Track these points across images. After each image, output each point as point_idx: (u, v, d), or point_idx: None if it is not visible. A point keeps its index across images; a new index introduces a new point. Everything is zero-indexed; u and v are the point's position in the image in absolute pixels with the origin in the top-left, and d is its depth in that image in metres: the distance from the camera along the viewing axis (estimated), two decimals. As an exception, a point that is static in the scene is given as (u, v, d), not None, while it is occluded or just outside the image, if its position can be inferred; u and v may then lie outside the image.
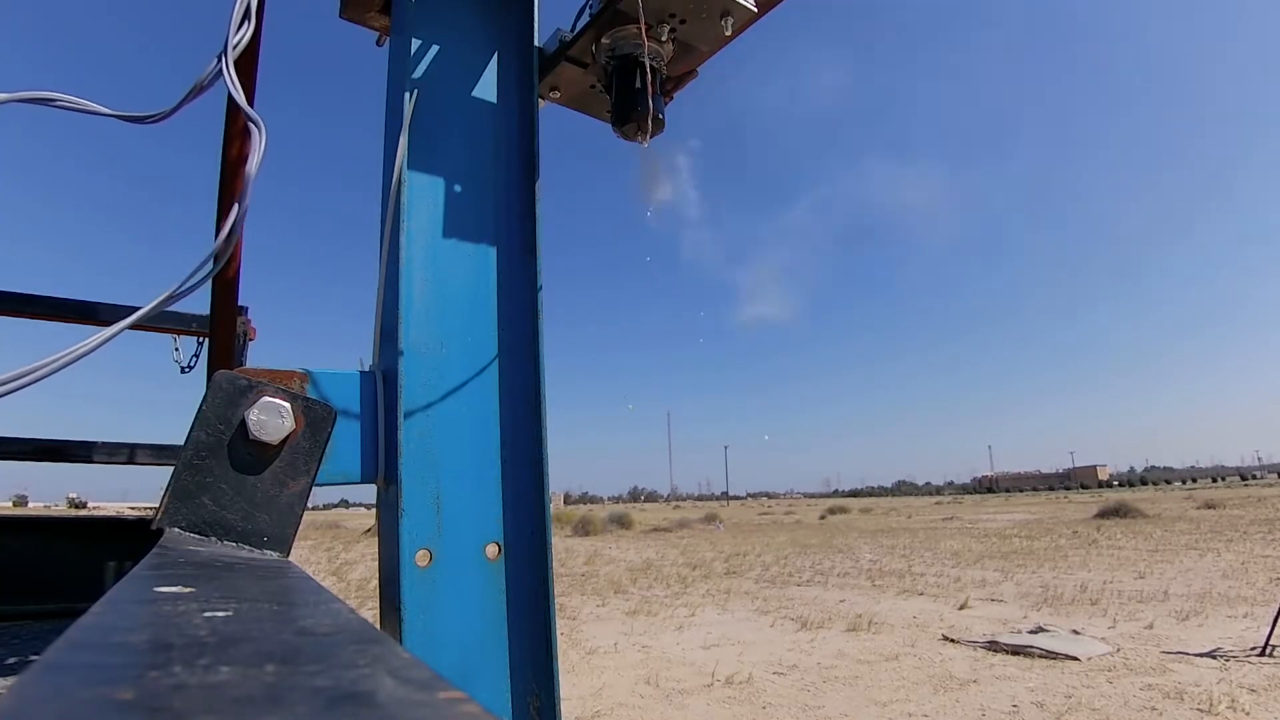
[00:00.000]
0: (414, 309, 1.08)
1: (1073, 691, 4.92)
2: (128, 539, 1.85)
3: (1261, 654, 5.57)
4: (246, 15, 0.98)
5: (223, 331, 1.97)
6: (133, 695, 0.19)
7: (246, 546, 0.74)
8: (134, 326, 0.81)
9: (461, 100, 1.21)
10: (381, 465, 1.02)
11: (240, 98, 0.93)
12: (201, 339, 2.83)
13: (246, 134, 0.94)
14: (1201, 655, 5.71)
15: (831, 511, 40.85)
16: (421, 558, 1.01)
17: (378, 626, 0.77)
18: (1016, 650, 6.11)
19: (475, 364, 1.12)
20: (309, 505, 0.82)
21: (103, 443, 2.58)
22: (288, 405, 0.79)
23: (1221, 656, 5.63)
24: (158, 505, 0.75)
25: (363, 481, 1.02)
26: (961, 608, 8.31)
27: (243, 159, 0.90)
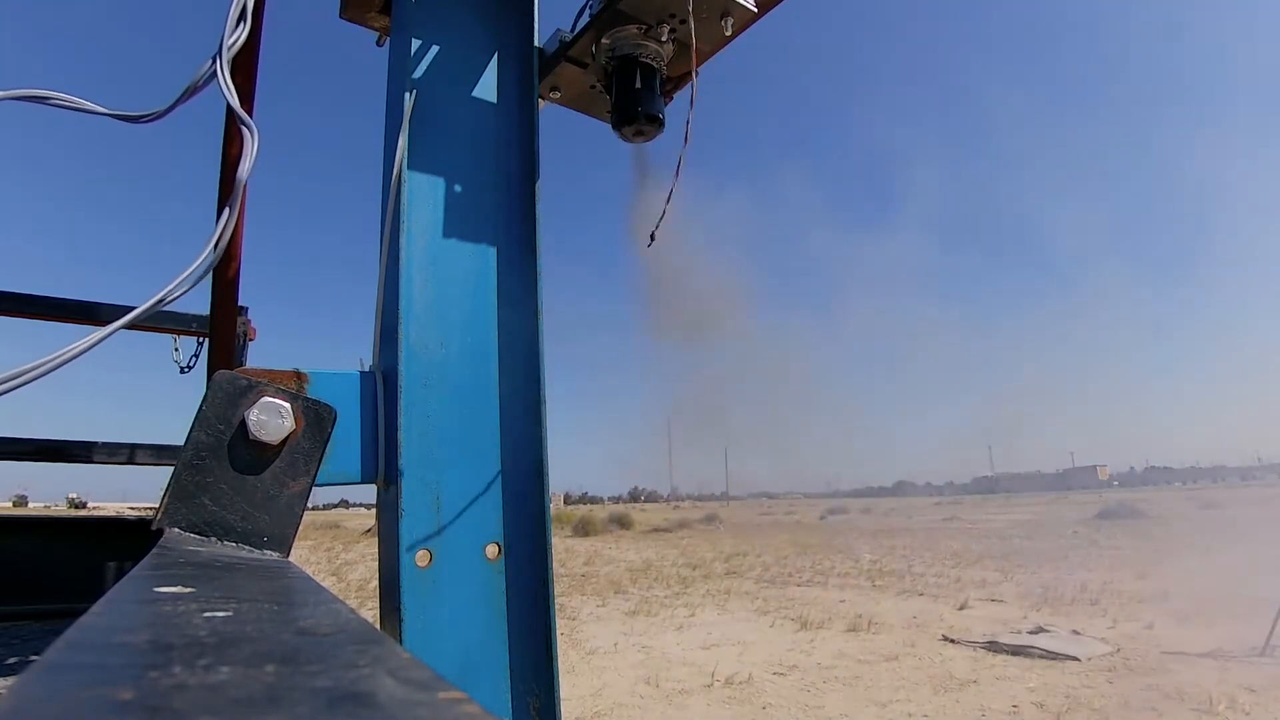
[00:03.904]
0: (414, 309, 1.08)
1: (1073, 691, 4.92)
2: (128, 539, 1.84)
3: (1261, 654, 5.57)
4: (243, 16, 0.98)
5: (223, 331, 1.97)
6: (133, 695, 0.19)
7: (246, 547, 0.74)
8: (133, 326, 0.81)
9: (461, 100, 1.21)
10: (381, 465, 1.02)
11: (234, 101, 0.93)
12: (201, 339, 2.83)
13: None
14: (1201, 655, 5.71)
15: (831, 512, 40.85)
16: (421, 558, 1.01)
17: (378, 626, 0.77)
18: (1016, 650, 6.11)
19: (475, 364, 1.12)
20: (309, 505, 0.82)
21: (103, 443, 2.58)
22: (288, 405, 0.79)
23: (1221, 656, 5.62)
24: (158, 505, 0.74)
25: (363, 481, 1.02)
26: (961, 608, 8.31)
27: (240, 160, 0.90)
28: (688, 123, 1.15)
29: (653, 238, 1.19)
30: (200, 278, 0.82)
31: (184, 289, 0.81)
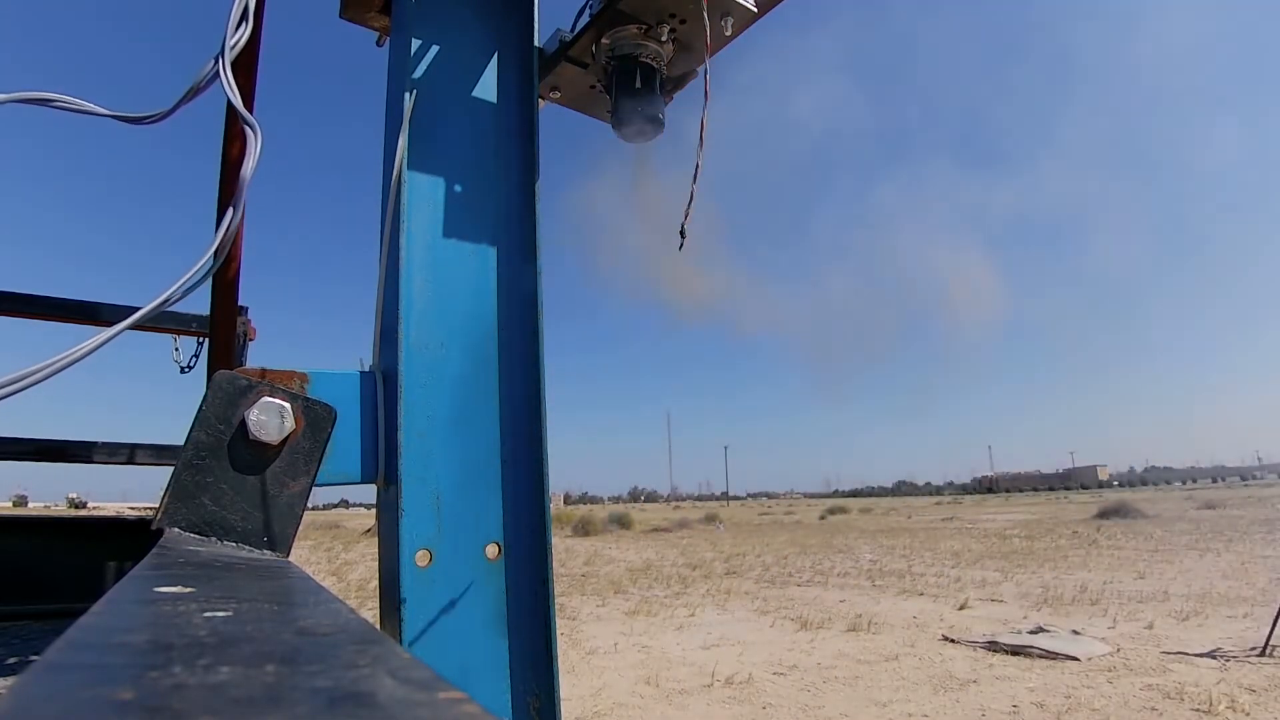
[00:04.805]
0: (414, 309, 1.08)
1: (1073, 691, 4.92)
2: (128, 539, 1.85)
3: (1261, 654, 5.57)
4: (244, 16, 0.98)
5: (223, 331, 1.97)
6: (133, 695, 0.19)
7: (246, 546, 0.74)
8: (134, 327, 0.81)
9: (461, 100, 1.21)
10: (381, 465, 1.02)
11: (236, 100, 0.93)
12: (201, 339, 2.83)
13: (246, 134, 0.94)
14: (1201, 655, 5.70)
15: (831, 512, 40.83)
16: (421, 558, 1.01)
17: (378, 626, 0.77)
18: (1016, 650, 6.11)
19: (475, 364, 1.12)
20: (309, 505, 0.82)
21: (103, 443, 2.58)
22: (288, 405, 0.79)
23: (1221, 657, 5.62)
24: (158, 505, 0.75)
25: (363, 481, 1.02)
26: (961, 608, 8.31)
27: (242, 160, 0.90)
28: (702, 125, 1.14)
29: (683, 235, 1.18)
30: (203, 278, 0.83)
31: (187, 290, 0.81)
